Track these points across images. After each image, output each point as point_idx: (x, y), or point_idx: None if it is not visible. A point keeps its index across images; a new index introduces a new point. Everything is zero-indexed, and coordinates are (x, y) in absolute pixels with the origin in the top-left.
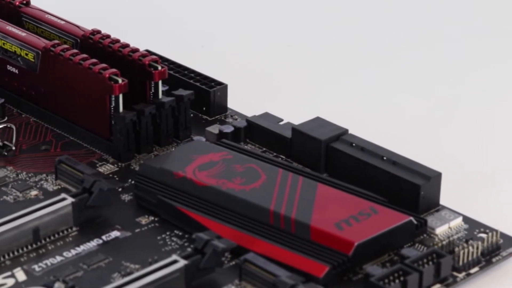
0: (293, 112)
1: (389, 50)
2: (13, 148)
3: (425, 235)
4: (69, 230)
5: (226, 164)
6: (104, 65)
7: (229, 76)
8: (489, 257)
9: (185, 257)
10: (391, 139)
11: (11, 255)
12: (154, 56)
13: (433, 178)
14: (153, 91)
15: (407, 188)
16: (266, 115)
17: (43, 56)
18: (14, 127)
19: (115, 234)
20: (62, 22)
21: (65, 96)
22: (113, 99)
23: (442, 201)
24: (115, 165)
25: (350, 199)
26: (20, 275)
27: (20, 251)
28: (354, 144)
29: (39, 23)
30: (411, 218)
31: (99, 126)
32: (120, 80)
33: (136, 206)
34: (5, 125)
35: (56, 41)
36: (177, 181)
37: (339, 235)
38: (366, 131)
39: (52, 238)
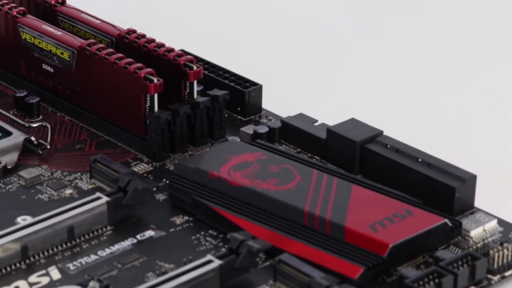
0: (328, 113)
1: (424, 51)
2: (48, 146)
3: (459, 238)
4: (104, 229)
5: (261, 164)
6: (139, 64)
7: (264, 76)
8: None
9: (219, 257)
10: (426, 141)
11: (45, 253)
12: (189, 56)
13: (468, 180)
14: (188, 91)
15: (442, 190)
16: (301, 116)
17: (79, 55)
18: (49, 126)
19: (149, 233)
20: (98, 22)
21: (100, 95)
22: (148, 98)
23: (477, 204)
24: (150, 165)
25: (384, 201)
26: (55, 274)
27: (55, 249)
28: (389, 146)
29: (75, 22)
30: (446, 220)
31: (134, 125)
32: (155, 80)
33: (170, 206)
34: (40, 123)
35: (92, 40)
36: (211, 181)
37: (374, 236)
38: (401, 133)
39: (86, 237)
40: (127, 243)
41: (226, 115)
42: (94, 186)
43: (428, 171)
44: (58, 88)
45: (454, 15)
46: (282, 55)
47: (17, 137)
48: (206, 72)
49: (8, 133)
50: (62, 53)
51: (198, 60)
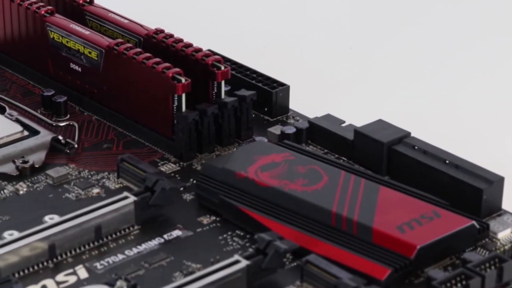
0: (355, 114)
1: (452, 52)
2: (76, 146)
3: (487, 240)
4: (131, 228)
5: (288, 165)
6: (167, 64)
7: (291, 77)
8: None
9: (247, 258)
10: (454, 142)
11: (73, 252)
12: (217, 56)
13: (496, 182)
14: (215, 91)
15: (469, 192)
16: (328, 117)
17: (107, 55)
18: (76, 125)
19: (176, 233)
20: (126, 21)
21: (128, 94)
22: (176, 98)
23: (505, 206)
24: (177, 164)
25: (412, 202)
26: (82, 273)
27: (82, 248)
28: (416, 147)
29: (103, 22)
30: (474, 222)
31: (162, 125)
32: (183, 80)
33: (197, 206)
34: (67, 123)
35: (120, 40)
36: (239, 181)
37: (401, 238)
38: (429, 134)
39: (114, 236)
40: (154, 242)
41: (253, 115)
42: (121, 185)
43: (456, 172)
44: (85, 87)
45: (483, 15)
46: (310, 55)
47: (45, 136)
48: (233, 72)
49: (36, 132)
50: (90, 53)
51: (226, 60)
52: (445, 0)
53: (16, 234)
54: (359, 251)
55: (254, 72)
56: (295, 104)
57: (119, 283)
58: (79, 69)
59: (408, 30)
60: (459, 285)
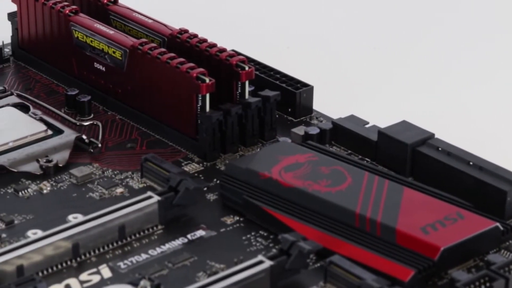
0: (379, 115)
1: (476, 54)
2: (99, 145)
3: (510, 241)
4: (155, 228)
5: (312, 165)
6: (191, 64)
7: (314, 77)
8: None
9: (270, 258)
10: (478, 144)
11: (96, 252)
12: (241, 57)
13: None
14: (239, 91)
15: (493, 193)
16: (352, 118)
17: (131, 54)
18: (100, 125)
19: (200, 233)
20: (150, 21)
21: (152, 94)
22: (200, 98)
23: None
24: (201, 164)
25: (436, 204)
26: (106, 272)
27: (106, 248)
28: (440, 149)
29: (127, 21)
30: (497, 224)
31: (185, 125)
32: (207, 80)
33: (221, 206)
34: (91, 122)
35: (144, 40)
36: (263, 182)
37: (425, 239)
38: (453, 136)
39: (137, 236)
40: (178, 242)
41: (277, 115)
42: (145, 185)
43: (480, 174)
44: (109, 87)
45: (507, 15)
46: (334, 56)
47: (69, 135)
48: (257, 72)
49: (60, 131)
50: (114, 52)
51: (249, 60)
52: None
53: (40, 233)
54: (382, 252)
55: (278, 72)
56: (318, 104)
57: (142, 282)
58: (103, 69)
59: (432, 30)
60: (482, 287)
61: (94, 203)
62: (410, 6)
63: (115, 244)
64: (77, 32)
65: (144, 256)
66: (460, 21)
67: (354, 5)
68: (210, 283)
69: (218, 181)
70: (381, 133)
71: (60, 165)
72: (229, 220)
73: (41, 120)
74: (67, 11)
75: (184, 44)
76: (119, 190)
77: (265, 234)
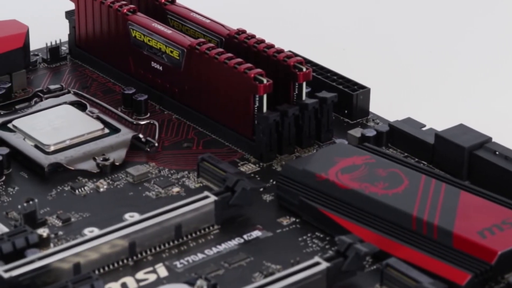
0: (436, 118)
1: None
2: (156, 144)
3: None
4: (211, 228)
5: (369, 168)
6: (249, 64)
7: (371, 80)
8: None
9: (327, 260)
10: None
11: (153, 250)
12: (299, 58)
13: None
14: (296, 92)
15: None
16: (409, 120)
17: (188, 54)
18: (157, 124)
19: (256, 233)
20: (207, 21)
21: (209, 94)
22: (257, 99)
23: None
24: (257, 165)
25: (493, 208)
26: (162, 271)
27: (162, 247)
28: (497, 153)
29: (184, 21)
30: None
31: (242, 125)
32: (265, 81)
33: (277, 207)
34: (148, 121)
35: (202, 40)
36: (319, 183)
37: (482, 243)
38: (510, 140)
39: (193, 235)
40: (234, 242)
41: (333, 117)
42: (201, 185)
43: None
44: (166, 86)
45: None
46: (390, 58)
47: (125, 134)
48: (314, 74)
49: (117, 130)
50: (171, 52)
51: (307, 61)
52: None
53: (96, 231)
54: (439, 256)
55: (335, 74)
56: (375, 107)
57: (199, 282)
58: (160, 68)
59: (489, 33)
60: None
61: (150, 202)
62: (467, 9)
63: (171, 243)
64: (134, 31)
65: (200, 255)
66: None
67: (410, 7)
68: (267, 283)
69: (274, 182)
70: (438, 136)
71: (117, 164)
72: (285, 221)
73: (98, 118)
74: (124, 10)
75: (241, 44)
76: (176, 189)
77: (321, 235)
